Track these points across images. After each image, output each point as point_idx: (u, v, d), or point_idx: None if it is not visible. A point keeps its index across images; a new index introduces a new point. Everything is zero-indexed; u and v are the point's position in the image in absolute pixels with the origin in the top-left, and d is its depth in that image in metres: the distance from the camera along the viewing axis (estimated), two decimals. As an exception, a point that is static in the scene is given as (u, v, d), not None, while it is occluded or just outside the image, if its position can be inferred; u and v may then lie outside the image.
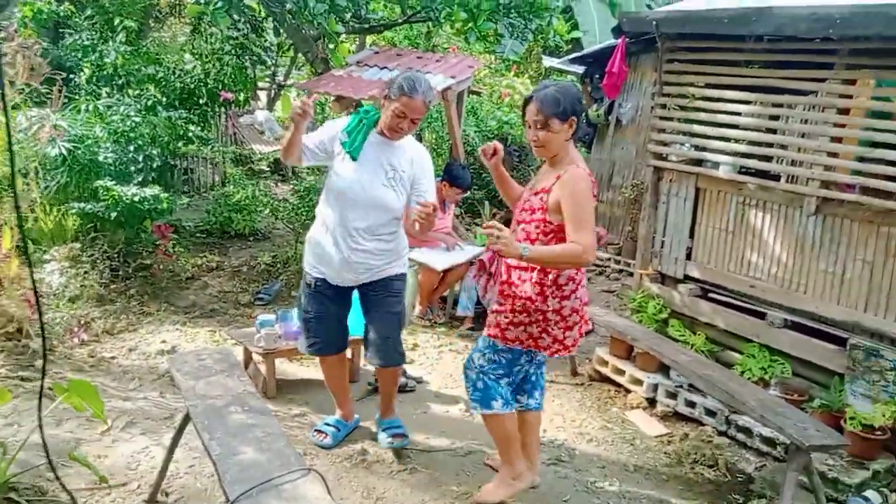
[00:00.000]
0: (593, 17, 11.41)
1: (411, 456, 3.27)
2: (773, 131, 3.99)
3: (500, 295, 2.81)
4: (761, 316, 3.97)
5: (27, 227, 4.99)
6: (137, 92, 6.43)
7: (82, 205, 5.12)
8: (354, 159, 2.90)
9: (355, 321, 3.39)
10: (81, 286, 5.02)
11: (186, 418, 2.55)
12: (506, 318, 2.74)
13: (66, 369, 3.90)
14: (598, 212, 7.47)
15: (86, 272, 5.18)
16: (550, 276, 2.64)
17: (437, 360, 4.56)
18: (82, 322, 4.54)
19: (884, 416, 3.23)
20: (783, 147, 3.90)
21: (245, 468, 1.92)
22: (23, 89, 4.73)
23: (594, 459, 3.49)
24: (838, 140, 3.67)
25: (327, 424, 3.33)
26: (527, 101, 2.65)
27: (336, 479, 3.00)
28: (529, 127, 2.63)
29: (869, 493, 3.11)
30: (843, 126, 3.62)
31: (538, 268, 2.63)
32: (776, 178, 4.00)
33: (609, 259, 7.11)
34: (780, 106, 3.95)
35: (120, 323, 4.72)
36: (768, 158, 3.97)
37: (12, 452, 2.68)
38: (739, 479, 3.45)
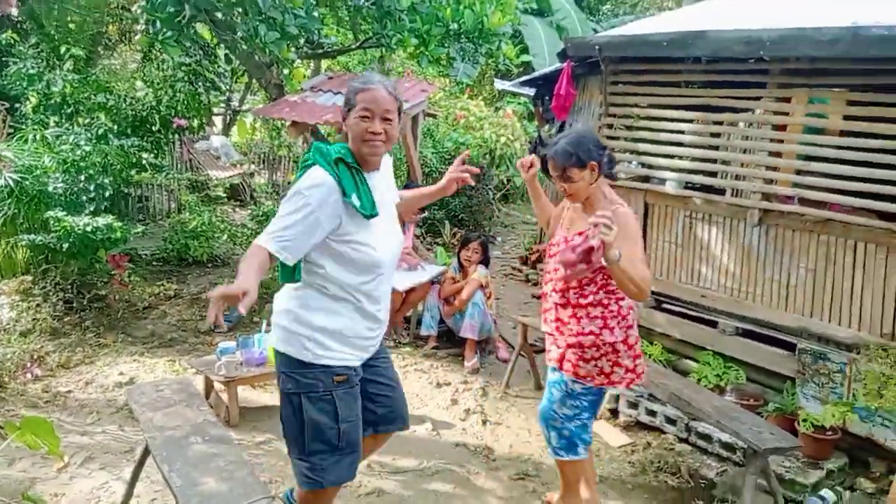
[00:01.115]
0: (542, 40, 11.76)
1: (379, 476, 3.27)
2: (716, 148, 4.17)
3: (557, 332, 2.75)
4: (714, 325, 4.11)
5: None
6: (87, 120, 6.33)
7: (32, 236, 5.00)
8: (374, 215, 2.22)
9: None
10: (34, 320, 4.90)
11: (146, 451, 2.52)
12: (576, 355, 2.68)
13: (20, 406, 3.80)
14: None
15: (38, 305, 5.05)
16: (613, 308, 2.64)
17: (402, 379, 4.54)
18: (35, 357, 4.43)
19: (833, 416, 3.37)
20: (725, 163, 4.09)
21: (206, 499, 1.91)
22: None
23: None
24: (777, 154, 3.87)
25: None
26: (544, 159, 2.71)
27: (303, 504, 2.98)
28: (554, 180, 2.68)
29: (824, 493, 3.23)
30: (780, 141, 3.82)
31: (599, 305, 2.64)
32: (720, 191, 4.18)
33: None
34: (721, 123, 4.14)
35: (75, 356, 4.61)
36: (712, 174, 4.15)
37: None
38: (702, 484, 3.55)
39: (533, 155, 2.81)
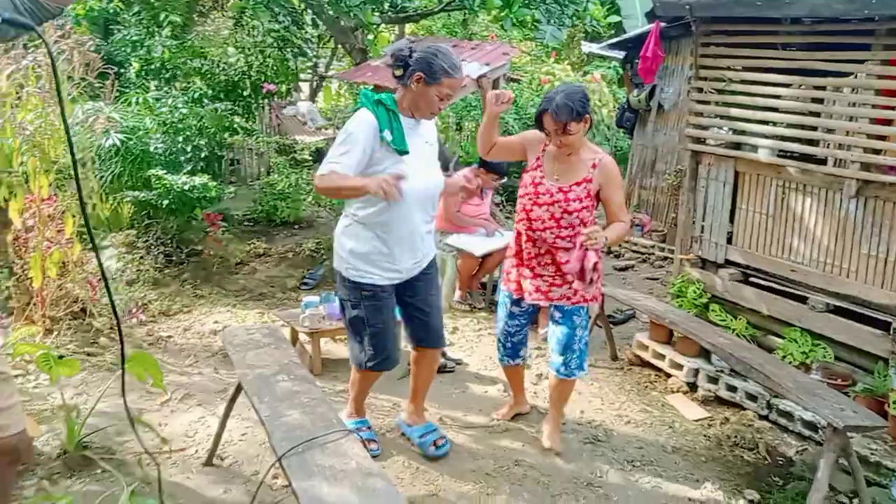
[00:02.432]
0: (635, 1, 11.29)
1: (450, 430, 3.39)
2: (814, 114, 3.94)
3: (557, 271, 3.12)
4: (803, 300, 3.95)
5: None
6: (184, 85, 6.68)
7: (136, 193, 5.39)
8: (406, 152, 2.67)
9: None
10: (138, 270, 5.29)
11: (238, 388, 2.72)
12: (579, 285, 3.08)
13: (127, 347, 4.12)
14: (640, 198, 7.57)
15: (141, 257, 5.45)
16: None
17: (476, 343, 4.66)
18: (140, 304, 4.80)
19: (927, 399, 3.20)
20: (824, 130, 3.86)
21: (291, 429, 2.07)
22: (79, 83, 4.98)
23: (632, 440, 3.55)
24: (887, 122, 3.61)
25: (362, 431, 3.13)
26: (540, 113, 2.93)
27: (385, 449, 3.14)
28: (549, 135, 2.94)
29: (911, 477, 3.10)
30: (885, 108, 3.56)
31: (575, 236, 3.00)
32: (816, 160, 3.97)
33: (653, 246, 7.08)
34: (821, 88, 3.90)
35: (175, 305, 4.96)
36: (809, 141, 3.93)
37: (82, 418, 2.89)
38: (780, 462, 3.46)
39: (506, 91, 3.03)
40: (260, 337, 2.86)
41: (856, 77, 3.71)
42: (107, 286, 1.87)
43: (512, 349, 3.38)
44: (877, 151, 3.58)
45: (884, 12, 3.35)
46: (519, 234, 3.17)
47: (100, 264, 1.88)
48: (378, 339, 2.85)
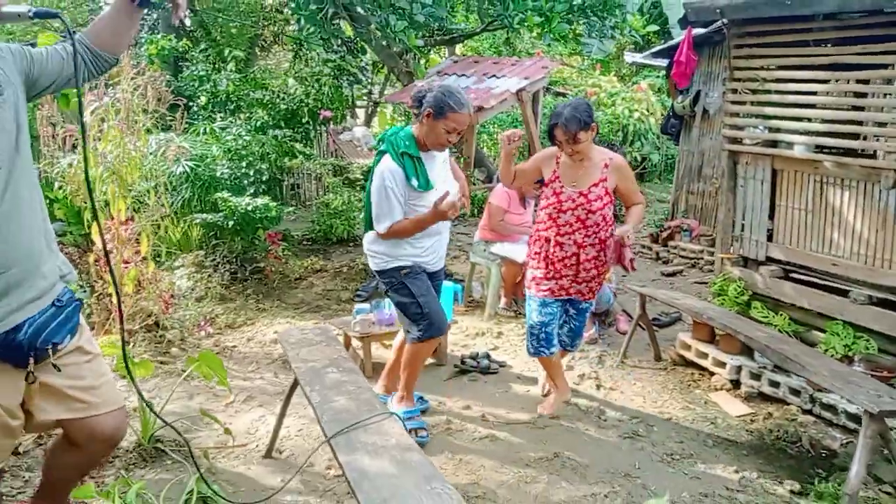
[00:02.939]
0: (681, 9, 11.26)
1: (493, 426, 3.55)
2: (849, 108, 3.95)
3: (596, 269, 3.54)
4: (844, 294, 3.93)
5: (159, 237, 5.73)
6: (247, 115, 7.17)
7: (204, 216, 5.82)
8: (430, 189, 3.14)
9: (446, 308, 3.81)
10: (206, 287, 5.71)
11: (294, 385, 2.98)
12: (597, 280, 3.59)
13: (195, 355, 4.50)
14: (688, 204, 7.55)
15: (209, 275, 5.88)
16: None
17: (519, 346, 4.80)
18: (208, 318, 5.19)
19: (974, 388, 3.15)
20: (859, 123, 3.87)
21: (338, 412, 2.30)
22: (153, 115, 5.47)
23: (672, 435, 3.60)
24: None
25: (413, 419, 3.39)
26: (551, 127, 3.28)
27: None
28: (561, 145, 3.30)
29: (958, 466, 3.05)
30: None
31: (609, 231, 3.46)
32: (853, 154, 3.96)
33: (702, 251, 7.04)
34: (857, 82, 3.91)
35: (239, 318, 5.33)
36: (844, 135, 3.94)
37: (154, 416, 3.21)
38: (823, 454, 3.45)
39: (516, 130, 3.46)
40: (312, 336, 3.13)
41: (894, 68, 3.71)
42: (109, 265, 2.21)
43: (546, 339, 3.60)
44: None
45: (912, 3, 3.37)
46: (547, 240, 3.48)
47: (103, 245, 2.18)
48: (428, 307, 3.22)
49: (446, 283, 4.56)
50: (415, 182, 3.10)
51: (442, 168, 3.29)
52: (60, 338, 1.92)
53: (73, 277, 2.04)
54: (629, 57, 8.36)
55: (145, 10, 1.95)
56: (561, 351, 3.74)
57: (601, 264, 3.51)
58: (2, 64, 1.72)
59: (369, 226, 3.28)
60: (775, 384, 3.90)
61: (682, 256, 7.15)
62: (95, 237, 4.16)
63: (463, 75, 5.64)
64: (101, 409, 2.00)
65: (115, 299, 4.15)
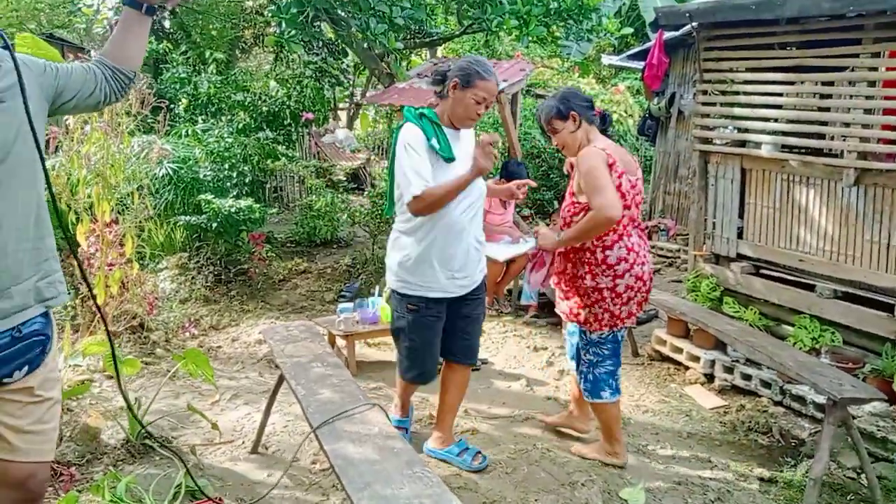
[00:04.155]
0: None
1: (475, 420, 3.65)
2: (814, 109, 4.11)
3: (564, 283, 3.09)
4: (811, 288, 4.08)
5: (143, 239, 5.75)
6: (229, 117, 7.21)
7: (188, 218, 5.86)
8: (452, 160, 2.76)
9: None
10: (190, 290, 5.75)
11: (280, 381, 3.05)
12: (576, 303, 3.03)
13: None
14: (665, 203, 7.72)
15: (193, 278, 5.92)
16: (598, 256, 2.90)
17: (501, 343, 4.92)
18: (192, 319, 5.23)
19: (931, 376, 3.31)
20: (821, 123, 4.02)
21: (323, 404, 2.38)
22: (135, 118, 5.50)
23: (648, 427, 3.73)
24: (892, 112, 3.74)
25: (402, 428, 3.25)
26: (538, 119, 3.08)
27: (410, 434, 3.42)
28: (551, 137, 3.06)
29: (918, 451, 3.20)
30: (875, 98, 3.72)
31: (587, 251, 2.92)
32: (817, 153, 4.12)
33: (679, 249, 7.21)
34: (822, 84, 4.07)
35: (224, 319, 5.38)
36: (809, 135, 4.09)
37: (142, 412, 3.27)
38: (793, 443, 3.60)
39: (494, 134, 3.09)
40: (297, 333, 3.21)
41: (852, 70, 3.88)
42: (80, 266, 2.12)
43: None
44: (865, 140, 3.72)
45: (870, 7, 3.52)
46: None
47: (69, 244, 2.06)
48: (415, 353, 2.90)
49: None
50: (435, 143, 2.71)
51: (467, 148, 2.87)
52: (7, 371, 1.70)
53: (60, 301, 1.81)
54: (606, 59, 8.54)
55: (153, 16, 1.91)
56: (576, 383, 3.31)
57: (568, 280, 3.06)
58: (19, 74, 1.63)
59: (390, 207, 2.92)
60: (747, 377, 4.04)
61: (660, 255, 7.31)
62: (80, 239, 4.19)
63: (443, 77, 5.74)
64: (21, 456, 1.76)
65: (93, 299, 4.19)
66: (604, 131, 3.04)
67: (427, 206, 2.67)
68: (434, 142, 2.72)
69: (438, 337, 2.93)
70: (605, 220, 2.72)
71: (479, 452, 3.16)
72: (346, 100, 14.04)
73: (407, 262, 2.83)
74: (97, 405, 3.64)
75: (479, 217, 2.93)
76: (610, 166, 2.82)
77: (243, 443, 3.36)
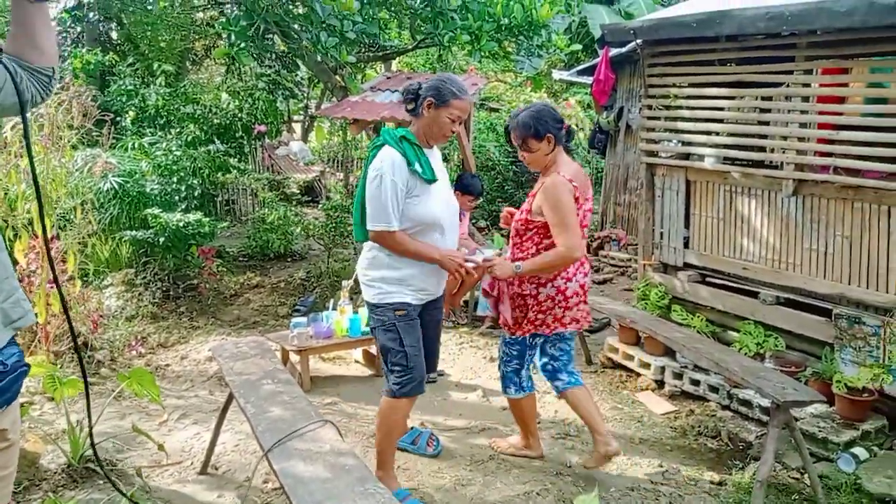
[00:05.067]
0: (607, 28, 11.74)
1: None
2: (755, 123, 4.27)
3: (498, 289, 3.24)
4: (755, 295, 4.22)
5: (86, 255, 5.57)
6: (178, 129, 7.06)
7: (133, 233, 5.70)
8: (435, 181, 2.82)
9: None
10: (137, 306, 5.59)
11: (230, 399, 2.98)
12: (505, 306, 3.18)
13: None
14: (616, 214, 7.88)
15: (140, 294, 5.75)
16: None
17: (458, 355, 4.92)
18: (139, 337, 5.08)
19: (867, 378, 3.44)
20: (760, 136, 4.18)
21: (273, 422, 2.34)
22: (78, 131, 5.34)
23: (602, 434, 3.78)
24: (827, 126, 3.90)
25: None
26: (507, 129, 3.08)
27: (363, 451, 3.38)
28: (518, 149, 3.07)
29: (857, 450, 3.31)
30: (809, 113, 3.89)
31: (517, 261, 3.02)
32: (757, 165, 4.27)
33: (630, 259, 7.37)
34: (762, 99, 4.23)
35: (172, 336, 5.24)
36: (749, 148, 4.25)
37: (84, 436, 3.15)
38: (741, 446, 3.69)
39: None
40: (247, 349, 3.14)
41: (787, 86, 4.05)
42: (60, 293, 1.98)
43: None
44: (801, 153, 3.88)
45: (801, 27, 3.69)
46: None
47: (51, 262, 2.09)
48: (411, 360, 2.83)
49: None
50: (418, 167, 2.74)
51: (438, 163, 2.95)
52: None
53: (27, 321, 1.65)
54: (556, 74, 8.71)
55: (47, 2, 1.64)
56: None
57: (514, 296, 3.11)
58: None
59: (360, 232, 2.89)
60: (696, 382, 4.14)
61: (612, 265, 7.46)
62: (19, 255, 4.04)
63: (396, 91, 5.75)
64: None
65: (40, 318, 4.04)
66: (566, 147, 3.10)
67: (392, 245, 2.77)
68: (417, 166, 2.76)
69: (421, 342, 2.94)
70: (571, 259, 2.91)
71: (432, 435, 3.38)
72: (301, 112, 13.94)
73: (393, 276, 2.84)
74: (36, 429, 3.50)
75: (456, 223, 3.01)
76: (576, 199, 2.91)
77: (192, 463, 3.27)
